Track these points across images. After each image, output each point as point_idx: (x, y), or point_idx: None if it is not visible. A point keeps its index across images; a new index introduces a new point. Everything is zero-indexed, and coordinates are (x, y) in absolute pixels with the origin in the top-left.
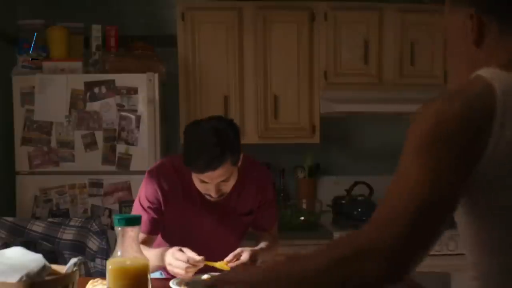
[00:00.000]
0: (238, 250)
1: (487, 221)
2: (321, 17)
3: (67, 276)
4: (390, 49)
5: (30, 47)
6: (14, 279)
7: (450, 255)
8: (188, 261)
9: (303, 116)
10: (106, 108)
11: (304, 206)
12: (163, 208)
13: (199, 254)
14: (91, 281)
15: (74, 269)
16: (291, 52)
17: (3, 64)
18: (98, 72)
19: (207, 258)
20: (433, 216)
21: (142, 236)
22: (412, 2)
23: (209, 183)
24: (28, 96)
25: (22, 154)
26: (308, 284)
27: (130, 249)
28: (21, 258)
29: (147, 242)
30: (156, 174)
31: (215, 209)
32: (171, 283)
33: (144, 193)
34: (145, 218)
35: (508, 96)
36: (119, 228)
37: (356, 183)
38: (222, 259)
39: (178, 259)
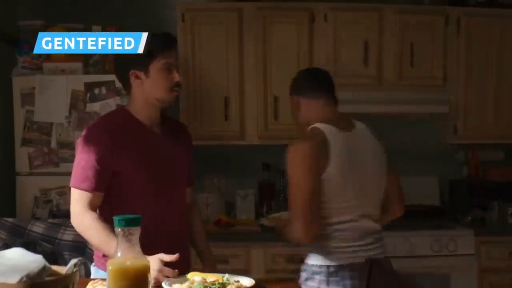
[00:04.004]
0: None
1: None
2: (321, 18)
3: (67, 277)
4: (390, 50)
5: (30, 48)
6: (14, 280)
7: (449, 255)
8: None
9: None
10: (106, 109)
11: None
12: (114, 158)
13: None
14: (91, 282)
15: (74, 269)
16: (291, 52)
17: (3, 65)
18: (98, 73)
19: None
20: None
21: (88, 196)
22: (411, 3)
23: (173, 65)
24: (29, 97)
25: (22, 155)
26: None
27: (130, 249)
28: (21, 259)
29: (94, 204)
30: (99, 128)
31: (165, 141)
32: (163, 284)
33: (91, 147)
34: (92, 173)
35: (332, 138)
36: (119, 229)
37: None
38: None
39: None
